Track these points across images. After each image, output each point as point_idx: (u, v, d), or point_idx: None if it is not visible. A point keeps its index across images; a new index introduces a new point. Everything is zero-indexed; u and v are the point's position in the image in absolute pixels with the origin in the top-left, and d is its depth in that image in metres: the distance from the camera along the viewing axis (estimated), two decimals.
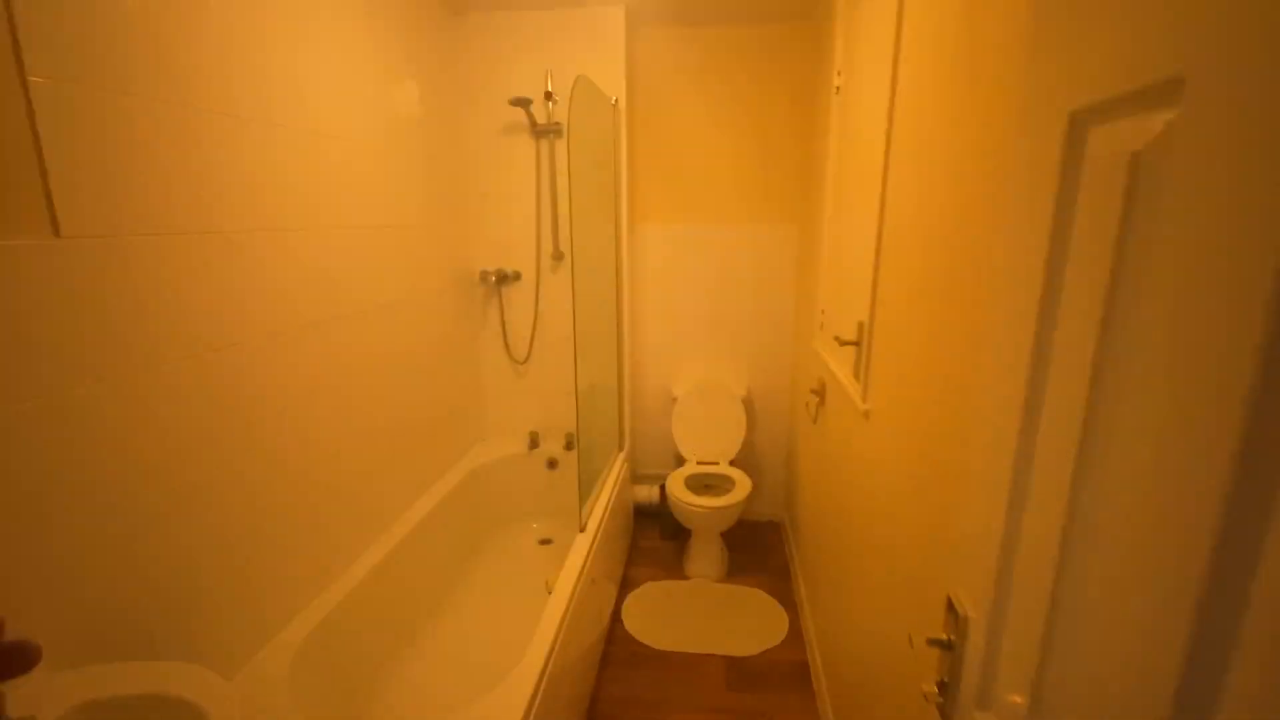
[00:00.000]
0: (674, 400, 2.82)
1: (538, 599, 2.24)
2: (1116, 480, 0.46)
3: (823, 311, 2.10)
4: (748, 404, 2.86)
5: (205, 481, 1.28)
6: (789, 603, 2.44)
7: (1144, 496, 0.42)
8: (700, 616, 2.34)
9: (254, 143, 1.39)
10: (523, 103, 2.34)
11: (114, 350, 1.08)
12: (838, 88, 1.96)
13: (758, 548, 2.84)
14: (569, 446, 2.79)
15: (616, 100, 2.41)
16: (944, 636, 0.70)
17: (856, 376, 1.56)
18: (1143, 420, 0.43)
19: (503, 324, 2.75)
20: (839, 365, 1.77)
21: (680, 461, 2.82)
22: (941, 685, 0.70)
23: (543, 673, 1.42)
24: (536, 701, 1.36)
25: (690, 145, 2.67)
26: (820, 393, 2.02)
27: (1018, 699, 0.60)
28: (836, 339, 1.65)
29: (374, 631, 1.79)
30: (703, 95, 2.61)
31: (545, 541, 2.67)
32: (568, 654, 1.64)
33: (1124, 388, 0.45)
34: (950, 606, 0.70)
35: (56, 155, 0.98)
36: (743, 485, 2.53)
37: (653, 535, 2.93)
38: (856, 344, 1.55)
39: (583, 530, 2.04)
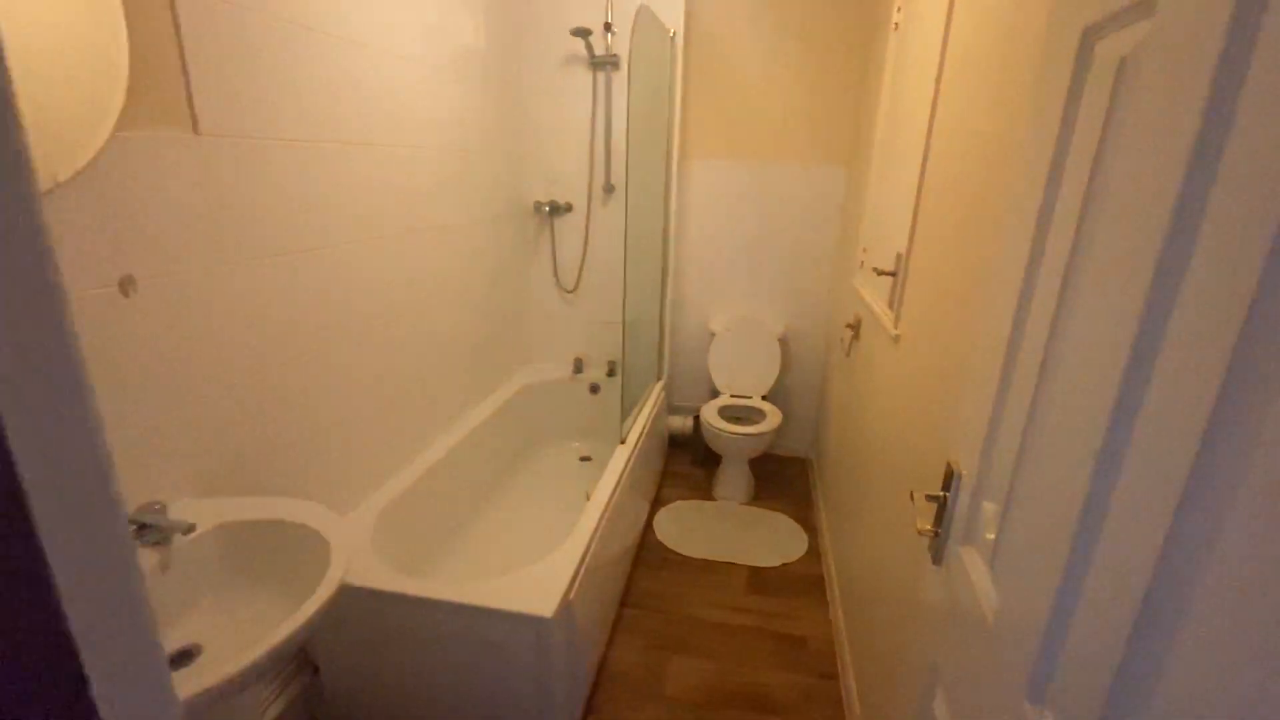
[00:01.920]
0: (712, 335, 2.94)
1: (577, 505, 2.45)
2: (1067, 360, 0.57)
3: (864, 250, 2.17)
4: (784, 343, 2.97)
5: (310, 361, 1.48)
6: (810, 527, 2.60)
7: (1079, 364, 0.53)
8: (726, 531, 2.53)
9: (345, 59, 1.52)
10: (583, 33, 2.39)
11: (241, 239, 1.26)
12: (896, 24, 1.97)
13: (784, 479, 2.99)
14: (611, 373, 2.96)
15: (674, 33, 2.45)
16: (940, 494, 0.84)
17: (890, 305, 1.65)
18: (1090, 297, 0.53)
19: (553, 254, 2.88)
20: (875, 297, 1.86)
21: (715, 394, 2.96)
22: (935, 532, 0.84)
23: (587, 547, 1.62)
24: (581, 571, 1.55)
25: (744, 81, 2.69)
26: (855, 327, 2.12)
27: (990, 535, 0.73)
28: (875, 270, 1.73)
29: (436, 512, 2.03)
30: (760, 30, 2.62)
31: (585, 459, 2.88)
32: (607, 543, 1.83)
33: (1082, 282, 0.56)
34: (948, 469, 0.83)
35: (196, 59, 1.13)
36: (774, 417, 2.67)
37: (684, 461, 3.11)
38: (893, 274, 1.63)
39: (623, 443, 2.22)
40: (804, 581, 2.27)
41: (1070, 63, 0.61)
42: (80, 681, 0.35)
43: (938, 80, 1.39)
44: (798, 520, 2.65)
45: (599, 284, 2.91)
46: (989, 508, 0.75)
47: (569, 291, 2.94)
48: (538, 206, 2.80)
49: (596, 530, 1.72)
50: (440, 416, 2.18)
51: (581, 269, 2.88)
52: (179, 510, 1.15)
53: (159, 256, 1.10)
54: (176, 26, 1.10)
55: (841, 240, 2.77)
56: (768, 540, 2.49)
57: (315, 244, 1.47)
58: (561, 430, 2.96)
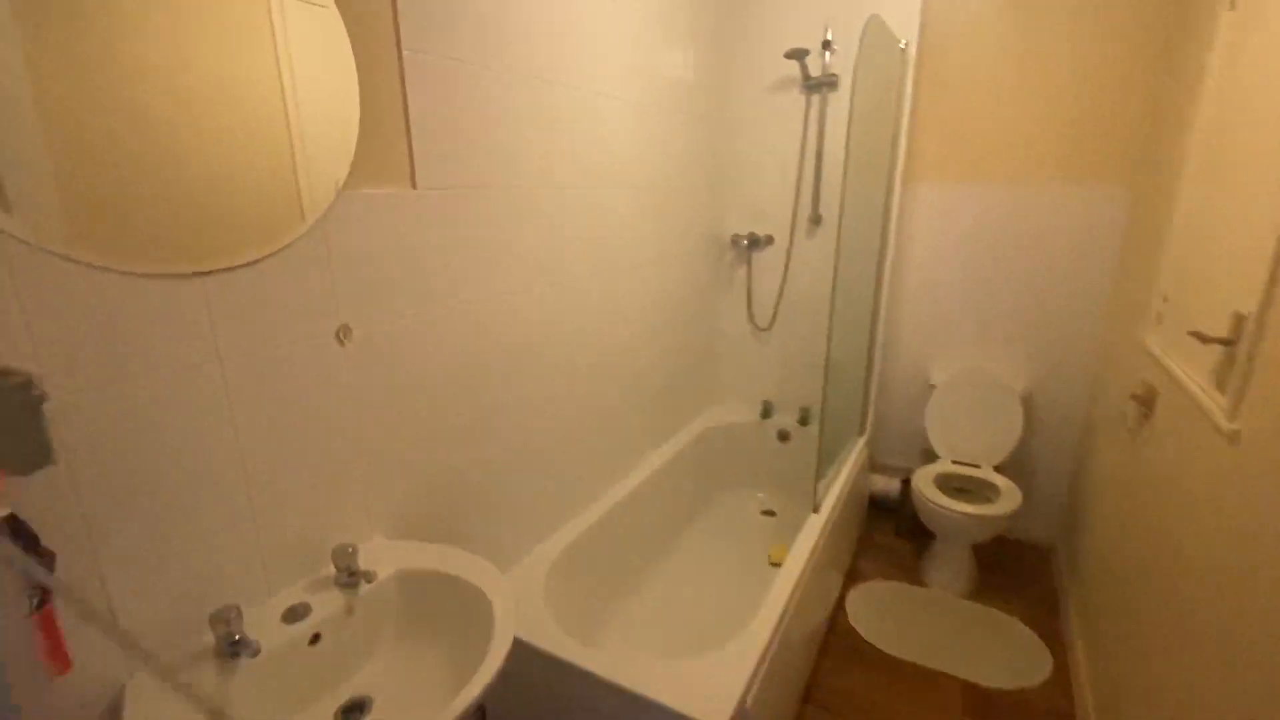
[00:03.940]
0: (931, 388, 2.51)
1: (757, 568, 2.22)
2: None
3: (1165, 299, 1.64)
4: (1027, 402, 2.42)
5: (496, 404, 1.48)
6: (1054, 641, 2.05)
7: None
8: (937, 630, 2.09)
9: (552, 104, 1.51)
10: (798, 55, 2.20)
11: (445, 286, 1.28)
12: (1233, 2, 1.47)
13: (1015, 570, 2.43)
14: (803, 421, 2.68)
15: (905, 44, 2.14)
16: None
17: (1220, 385, 1.18)
18: None
19: (749, 289, 2.70)
20: (1189, 368, 1.37)
21: (930, 457, 2.51)
22: None
23: (769, 643, 1.39)
24: (762, 668, 1.33)
25: (987, 88, 2.27)
26: (1147, 401, 1.60)
27: None
28: (1195, 334, 1.26)
29: (608, 563, 1.95)
30: (1012, 25, 2.18)
31: (768, 513, 2.63)
32: (792, 632, 1.58)
33: None
34: None
35: (420, 116, 1.17)
36: (1010, 495, 2.17)
37: (887, 530, 2.69)
38: (1229, 342, 1.16)
39: (816, 511, 1.94)
40: (1046, 717, 1.77)
41: None
42: None
43: None
44: (1036, 629, 2.11)
45: (796, 322, 2.66)
46: None
47: (763, 329, 2.73)
48: (735, 240, 2.65)
49: (781, 622, 1.48)
50: (622, 459, 2.11)
51: (778, 305, 2.66)
52: (369, 551, 1.18)
53: (371, 305, 1.14)
54: (403, 85, 1.14)
55: (1121, 281, 2.18)
56: (994, 651, 2.00)
57: (512, 288, 1.47)
58: (744, 478, 2.75)
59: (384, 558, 1.16)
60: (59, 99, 0.72)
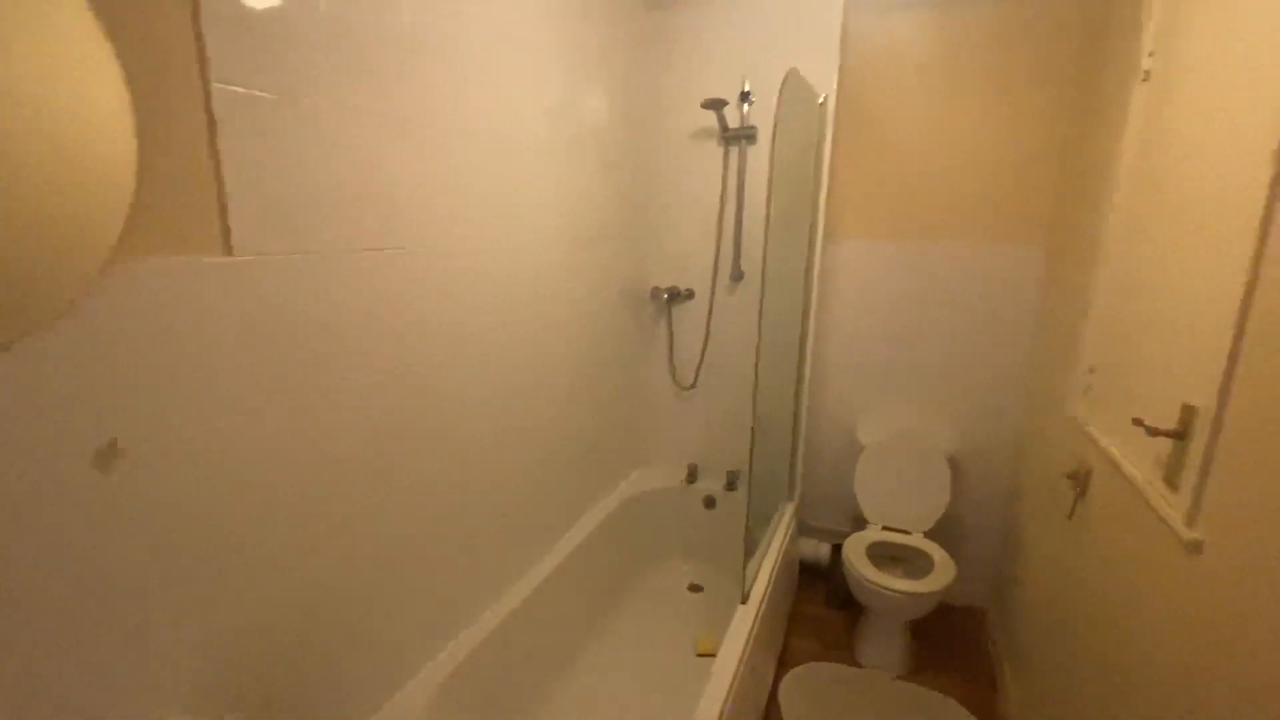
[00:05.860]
0: (860, 449, 2.40)
1: (684, 661, 1.99)
2: None
3: (1091, 370, 1.58)
4: (955, 465, 2.35)
5: (357, 511, 1.19)
6: (990, 716, 1.93)
7: None
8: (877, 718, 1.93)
9: (443, 150, 1.29)
10: (716, 105, 2.09)
11: (278, 379, 1.01)
12: (1147, 72, 1.45)
13: (949, 637, 2.32)
14: (730, 486, 2.50)
15: (824, 98, 2.07)
16: None
17: (1173, 484, 1.08)
18: None
19: (670, 346, 2.53)
20: (1129, 453, 1.28)
21: (860, 523, 2.39)
22: None
23: None
24: None
25: (906, 149, 2.24)
26: (1081, 481, 1.52)
27: None
28: (1138, 423, 1.16)
29: (516, 673, 1.66)
30: (926, 84, 2.17)
31: (695, 588, 2.42)
32: None
33: None
34: None
35: (235, 170, 0.91)
36: (944, 568, 2.05)
37: (817, 600, 2.53)
38: (1179, 436, 1.07)
39: (744, 602, 1.74)
40: None
41: None
42: None
43: None
44: (973, 708, 1.98)
45: (720, 381, 2.50)
46: None
47: (685, 389, 2.56)
48: (655, 293, 2.48)
49: None
50: (532, 542, 1.85)
51: (701, 364, 2.50)
52: None
53: (157, 414, 0.85)
54: (211, 125, 0.88)
55: (1041, 346, 2.15)
56: None
57: (380, 369, 1.20)
58: (669, 549, 2.53)
59: None
60: None
